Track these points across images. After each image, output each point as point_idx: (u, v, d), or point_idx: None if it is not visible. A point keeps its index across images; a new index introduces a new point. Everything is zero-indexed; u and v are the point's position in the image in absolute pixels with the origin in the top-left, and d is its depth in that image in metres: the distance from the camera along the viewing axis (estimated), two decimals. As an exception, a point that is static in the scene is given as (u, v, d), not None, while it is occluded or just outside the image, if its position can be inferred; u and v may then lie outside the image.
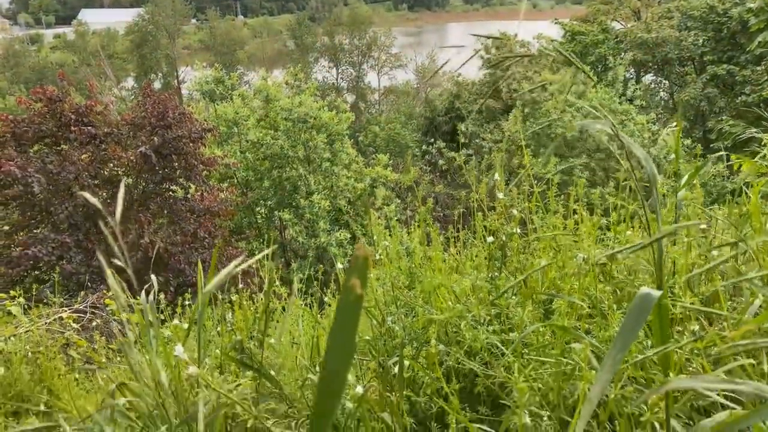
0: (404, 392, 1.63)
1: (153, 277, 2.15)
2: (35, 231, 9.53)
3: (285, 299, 3.74)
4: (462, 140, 18.19)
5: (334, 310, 0.49)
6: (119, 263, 1.32)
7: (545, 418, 1.16)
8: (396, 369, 1.64)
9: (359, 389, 1.52)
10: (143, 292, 2.04)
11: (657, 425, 1.14)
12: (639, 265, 1.80)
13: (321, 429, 0.49)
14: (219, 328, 3.10)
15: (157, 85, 43.22)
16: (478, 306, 1.64)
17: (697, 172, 1.65)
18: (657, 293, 0.76)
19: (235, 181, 15.75)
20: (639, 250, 0.84)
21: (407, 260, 2.75)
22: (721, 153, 2.16)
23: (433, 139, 21.50)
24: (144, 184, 10.56)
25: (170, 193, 10.81)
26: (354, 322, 0.50)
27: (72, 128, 9.67)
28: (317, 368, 1.85)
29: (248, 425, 1.49)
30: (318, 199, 15.06)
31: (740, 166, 2.28)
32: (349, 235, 15.34)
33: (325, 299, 3.47)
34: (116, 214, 0.70)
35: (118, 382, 1.91)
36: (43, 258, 8.63)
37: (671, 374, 1.08)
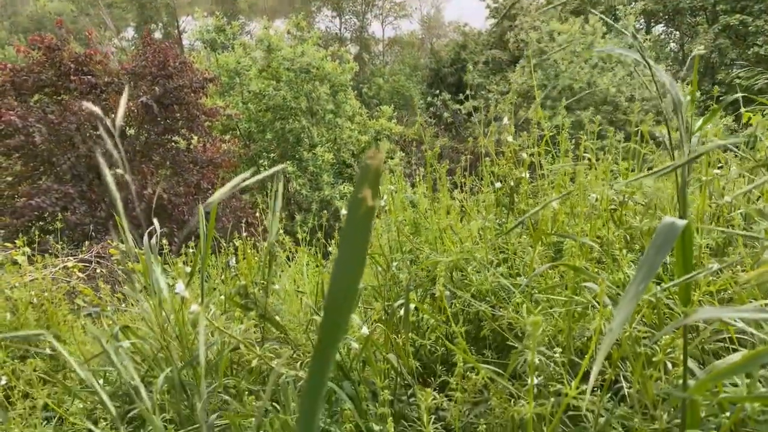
0: (410, 335, 1.61)
1: (155, 220, 2.12)
2: (38, 182, 9.52)
3: (289, 249, 3.74)
4: (468, 92, 17.91)
5: (342, 227, 0.44)
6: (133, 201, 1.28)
7: (557, 355, 1.14)
8: (402, 312, 1.62)
9: (365, 330, 1.50)
10: (146, 234, 2.02)
11: (669, 365, 1.12)
12: (652, 207, 1.76)
13: (328, 352, 0.46)
14: (223, 276, 3.10)
15: (157, 35, 42.37)
16: (486, 248, 1.60)
17: (715, 113, 1.59)
18: (682, 222, 0.72)
19: (238, 132, 15.62)
20: (666, 173, 0.79)
21: (412, 211, 2.72)
22: (738, 95, 2.08)
23: (438, 91, 21.18)
24: (146, 134, 10.47)
25: (173, 143, 10.74)
26: (364, 237, 0.46)
27: (72, 77, 9.53)
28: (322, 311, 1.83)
29: (252, 365, 1.48)
30: (321, 152, 14.95)
31: (749, 118, 2.21)
32: (353, 189, 15.27)
33: (330, 249, 3.45)
34: (117, 120, 0.66)
35: (121, 325, 1.91)
36: (47, 208, 8.64)
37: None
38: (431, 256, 1.91)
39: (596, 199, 1.59)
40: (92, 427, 1.64)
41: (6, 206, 9.12)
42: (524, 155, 1.95)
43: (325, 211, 3.19)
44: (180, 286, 1.12)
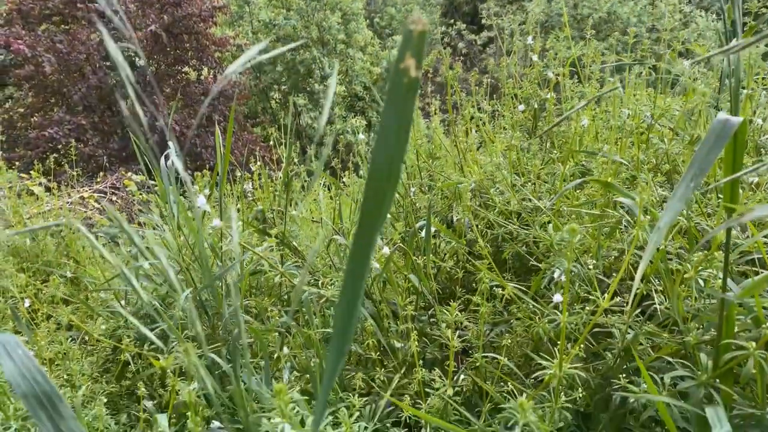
0: (430, 257, 1.60)
1: (171, 144, 2.08)
2: (50, 113, 9.47)
3: (304, 179, 3.71)
4: (484, 21, 17.34)
5: (382, 107, 0.40)
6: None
7: (591, 267, 1.11)
8: (422, 234, 1.60)
9: (386, 250, 1.49)
10: (162, 157, 1.99)
11: (701, 282, 1.09)
12: (679, 130, 1.69)
13: (370, 233, 0.42)
14: (239, 205, 3.09)
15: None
16: (510, 168, 1.56)
17: (752, 29, 1.49)
18: (736, 120, 0.68)
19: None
20: (720, 54, 0.73)
21: (427, 142, 2.67)
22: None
23: (452, 20, 20.52)
24: (156, 65, 10.31)
25: (183, 74, 10.58)
26: (407, 114, 0.42)
27: (78, 5, 9.31)
28: (341, 232, 1.82)
29: (274, 282, 1.48)
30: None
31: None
32: (365, 123, 15.07)
33: (344, 179, 3.43)
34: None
35: (143, 245, 1.90)
36: (61, 140, 8.63)
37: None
38: (452, 178, 1.86)
39: (628, 116, 1.52)
40: (117, 345, 1.67)
41: (20, 138, 9.13)
42: (550, 74, 1.87)
43: (343, 137, 3.14)
44: (201, 199, 1.10)
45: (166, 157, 1.99)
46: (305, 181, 3.88)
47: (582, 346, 1.04)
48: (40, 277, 2.78)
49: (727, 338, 0.86)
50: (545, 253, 1.40)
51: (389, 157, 0.42)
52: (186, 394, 0.77)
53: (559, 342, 1.10)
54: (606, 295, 0.92)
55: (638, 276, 0.62)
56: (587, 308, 1.15)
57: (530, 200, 1.53)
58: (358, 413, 1.02)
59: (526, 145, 2.01)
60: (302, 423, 0.88)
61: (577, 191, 1.52)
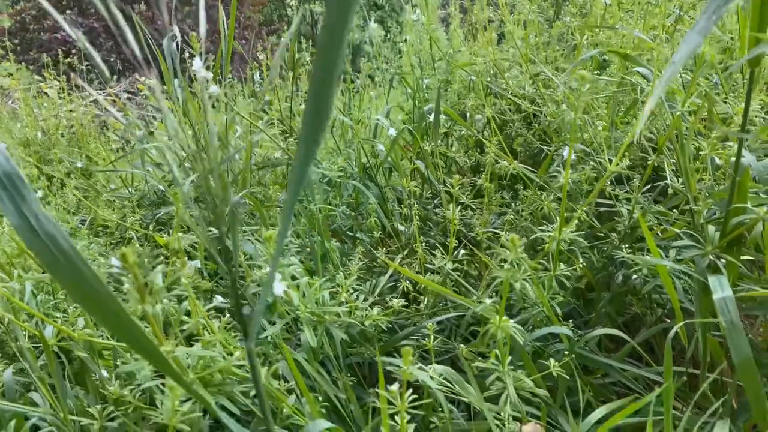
0: (438, 143, 1.55)
1: (176, 27, 2.01)
2: (62, 15, 9.27)
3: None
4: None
5: None
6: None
7: (599, 128, 1.07)
8: (431, 118, 1.55)
9: (392, 132, 1.45)
10: (166, 39, 1.92)
11: (717, 161, 1.04)
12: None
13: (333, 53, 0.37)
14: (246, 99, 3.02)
15: None
16: (528, 49, 1.47)
17: None
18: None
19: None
20: None
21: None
22: None
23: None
24: (168, -34, 9.95)
25: (196, -24, 10.23)
26: None
27: None
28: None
29: (276, 156, 1.46)
30: (351, -10, 14.13)
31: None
32: (383, 33, 14.59)
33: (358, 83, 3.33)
34: None
35: (147, 130, 1.88)
36: (74, 42, 8.49)
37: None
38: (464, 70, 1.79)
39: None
40: (123, 223, 1.68)
41: (33, 40, 9.00)
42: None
43: (362, 47, 3.03)
44: (197, 62, 1.05)
45: (170, 39, 1.92)
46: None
47: (585, 221, 1.01)
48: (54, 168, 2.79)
49: (741, 201, 0.83)
50: (556, 133, 1.35)
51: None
52: (171, 240, 0.75)
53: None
54: (615, 159, 0.88)
55: (648, 105, 0.57)
56: (591, 166, 1.11)
57: (546, 79, 1.46)
58: (356, 277, 1.02)
59: (545, 35, 1.91)
60: (293, 278, 0.88)
61: (596, 72, 1.44)
